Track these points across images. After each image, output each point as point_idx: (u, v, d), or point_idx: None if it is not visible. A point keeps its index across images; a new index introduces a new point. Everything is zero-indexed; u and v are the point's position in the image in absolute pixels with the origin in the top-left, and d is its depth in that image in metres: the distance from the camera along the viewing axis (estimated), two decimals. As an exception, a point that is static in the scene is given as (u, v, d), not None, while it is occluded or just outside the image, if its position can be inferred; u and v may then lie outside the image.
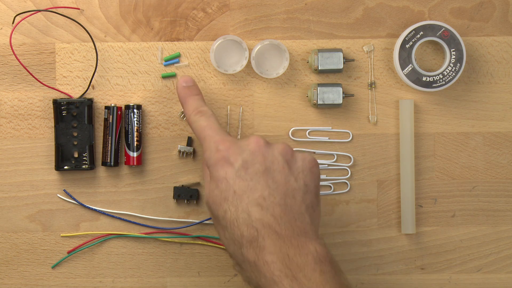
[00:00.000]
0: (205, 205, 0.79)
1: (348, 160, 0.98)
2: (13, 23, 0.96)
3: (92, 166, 0.96)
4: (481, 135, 0.98)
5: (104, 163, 0.96)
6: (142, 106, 0.97)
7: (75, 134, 0.96)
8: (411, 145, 0.96)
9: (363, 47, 0.97)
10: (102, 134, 0.97)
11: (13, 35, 0.97)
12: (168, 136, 0.97)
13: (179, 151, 0.97)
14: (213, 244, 0.97)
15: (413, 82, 0.96)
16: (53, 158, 0.97)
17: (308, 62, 0.97)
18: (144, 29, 0.97)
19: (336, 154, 0.98)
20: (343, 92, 0.96)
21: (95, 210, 0.97)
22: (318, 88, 0.95)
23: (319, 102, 0.95)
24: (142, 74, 0.97)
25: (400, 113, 0.97)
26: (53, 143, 0.97)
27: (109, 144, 0.96)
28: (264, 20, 0.97)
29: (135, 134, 0.96)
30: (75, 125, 0.96)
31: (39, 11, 0.96)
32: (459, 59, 0.95)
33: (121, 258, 0.98)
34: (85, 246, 0.97)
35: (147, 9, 0.97)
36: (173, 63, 0.97)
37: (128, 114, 0.96)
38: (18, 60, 0.96)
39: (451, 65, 0.95)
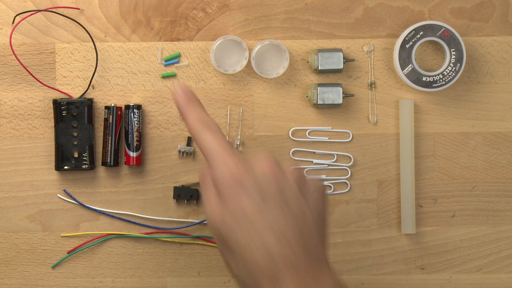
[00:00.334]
0: (209, 225, 0.76)
1: (348, 160, 0.98)
2: (13, 23, 0.96)
3: (92, 166, 0.96)
4: (481, 135, 0.98)
5: (104, 163, 0.96)
6: (142, 106, 0.97)
7: (75, 134, 0.96)
8: (411, 145, 0.96)
9: (363, 47, 0.97)
10: (102, 134, 0.97)
11: (13, 35, 0.97)
12: (168, 136, 0.97)
13: (179, 151, 0.97)
14: (213, 244, 0.97)
15: (413, 82, 0.96)
16: (53, 158, 0.97)
17: (308, 62, 0.97)
18: (144, 29, 0.97)
19: (336, 154, 0.98)
20: (343, 92, 0.96)
21: (95, 210, 0.97)
22: (318, 88, 0.95)
23: (319, 102, 0.95)
24: (142, 74, 0.97)
25: (400, 113, 0.97)
26: (53, 143, 0.97)
27: (109, 144, 0.96)
28: (264, 20, 0.97)
29: (135, 134, 0.96)
30: (75, 125, 0.96)
31: (39, 11, 0.96)
32: (459, 59, 0.95)
33: (121, 258, 0.98)
34: (85, 246, 0.97)
35: (147, 9, 0.97)
36: (173, 63, 0.97)
37: (128, 114, 0.96)
38: (18, 60, 0.96)
39: (451, 65, 0.95)
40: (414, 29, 0.95)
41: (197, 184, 0.97)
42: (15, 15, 0.96)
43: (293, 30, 0.97)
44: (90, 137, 0.96)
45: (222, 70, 0.96)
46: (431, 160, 0.98)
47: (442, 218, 0.98)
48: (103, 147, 0.96)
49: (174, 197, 0.97)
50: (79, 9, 0.97)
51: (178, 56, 0.97)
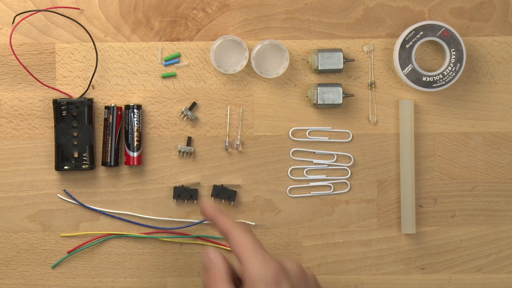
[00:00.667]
0: None
1: (348, 160, 0.98)
2: (13, 23, 0.96)
3: (92, 166, 0.96)
4: (481, 135, 0.98)
5: (104, 163, 0.96)
6: (142, 106, 0.97)
7: (75, 134, 0.96)
8: (411, 145, 0.96)
9: (363, 47, 0.97)
10: (102, 134, 0.97)
11: (13, 35, 0.97)
12: (168, 136, 0.97)
13: (179, 151, 0.97)
14: (213, 244, 0.97)
15: (413, 82, 0.96)
16: (53, 158, 0.97)
17: (308, 62, 0.97)
18: (144, 29, 0.97)
19: (336, 154, 0.98)
20: (343, 92, 0.96)
21: (95, 210, 0.97)
22: (318, 88, 0.95)
23: (319, 102, 0.95)
24: (142, 74, 0.97)
25: (400, 113, 0.97)
26: (53, 143, 0.97)
27: (109, 144, 0.96)
28: (264, 20, 0.97)
29: (135, 134, 0.96)
30: (75, 125, 0.96)
31: (39, 11, 0.96)
32: (459, 59, 0.95)
33: (121, 258, 0.98)
34: (85, 246, 0.97)
35: (147, 9, 0.97)
36: (173, 63, 0.97)
37: (128, 114, 0.96)
38: (18, 60, 0.96)
39: (451, 65, 0.95)
40: (414, 29, 0.95)
41: (197, 184, 0.97)
42: (15, 15, 0.96)
43: (293, 30, 0.97)
44: (90, 137, 0.96)
45: (222, 70, 0.96)
46: (431, 160, 0.98)
47: (442, 218, 0.98)
48: (103, 147, 0.96)
49: (174, 197, 0.97)
50: (79, 9, 0.97)
51: (178, 56, 0.97)
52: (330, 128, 0.98)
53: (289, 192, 0.97)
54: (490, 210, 0.98)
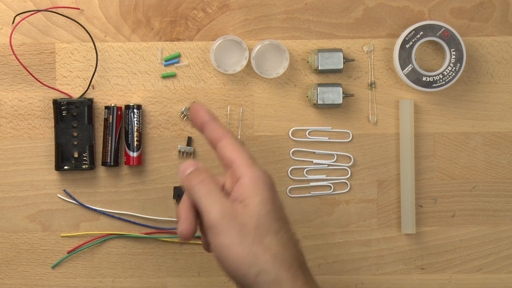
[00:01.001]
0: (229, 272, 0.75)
1: (348, 160, 0.98)
2: (13, 23, 0.96)
3: (92, 166, 0.96)
4: (481, 135, 0.98)
5: (104, 163, 0.96)
6: (142, 106, 0.97)
7: (75, 134, 0.96)
8: (411, 145, 0.96)
9: (363, 47, 0.97)
10: (102, 134, 0.97)
11: (13, 35, 0.97)
12: (168, 136, 0.97)
13: (179, 151, 0.97)
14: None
15: (413, 82, 0.96)
16: (53, 158, 0.97)
17: (308, 62, 0.97)
18: (144, 29, 0.97)
19: (336, 154, 0.98)
20: (343, 92, 0.96)
21: (95, 210, 0.97)
22: (318, 88, 0.95)
23: (319, 102, 0.95)
24: (142, 74, 0.97)
25: (400, 113, 0.97)
26: (53, 143, 0.97)
27: (109, 144, 0.96)
28: (264, 20, 0.97)
29: (135, 134, 0.96)
30: (75, 125, 0.96)
31: (39, 11, 0.96)
32: (459, 59, 0.95)
33: (121, 258, 0.98)
34: (85, 246, 0.97)
35: (147, 9, 0.97)
36: (173, 63, 0.97)
37: (128, 114, 0.96)
38: (18, 60, 0.96)
39: (451, 65, 0.95)
40: (414, 29, 0.95)
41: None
42: (15, 15, 0.96)
43: (293, 30, 0.97)
44: (90, 137, 0.96)
45: (222, 70, 0.96)
46: (431, 160, 0.98)
47: (442, 218, 0.98)
48: (103, 147, 0.96)
49: (174, 197, 0.97)
50: (79, 9, 0.97)
51: (178, 56, 0.97)
52: (330, 128, 0.98)
53: (289, 192, 0.97)
54: (490, 210, 0.98)
